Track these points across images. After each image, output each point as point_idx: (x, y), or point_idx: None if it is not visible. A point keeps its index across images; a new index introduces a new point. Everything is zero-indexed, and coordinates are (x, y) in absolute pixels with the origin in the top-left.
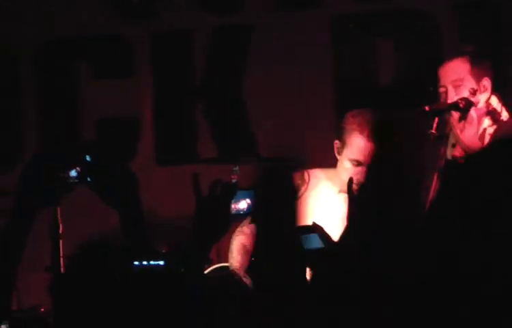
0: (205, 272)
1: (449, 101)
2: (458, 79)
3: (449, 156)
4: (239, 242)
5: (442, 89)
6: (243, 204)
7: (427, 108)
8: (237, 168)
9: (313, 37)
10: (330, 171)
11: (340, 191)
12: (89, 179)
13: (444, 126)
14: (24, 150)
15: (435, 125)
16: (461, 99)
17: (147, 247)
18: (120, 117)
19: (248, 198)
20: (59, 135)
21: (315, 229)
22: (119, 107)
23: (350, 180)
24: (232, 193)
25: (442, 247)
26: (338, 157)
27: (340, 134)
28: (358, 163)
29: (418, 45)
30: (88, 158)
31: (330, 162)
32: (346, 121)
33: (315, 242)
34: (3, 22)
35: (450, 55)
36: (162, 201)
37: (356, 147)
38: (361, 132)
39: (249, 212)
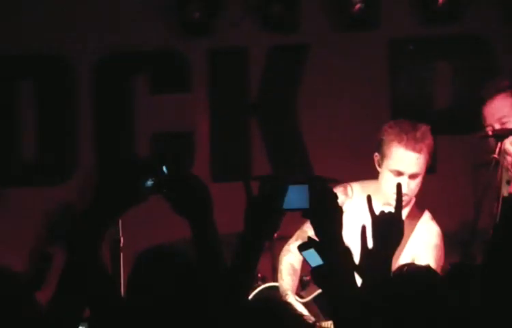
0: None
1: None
2: (503, 116)
3: (505, 194)
4: (287, 262)
5: (488, 129)
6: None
7: (490, 132)
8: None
9: (370, 59)
10: (371, 185)
11: (384, 204)
12: (164, 190)
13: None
14: (80, 163)
15: (497, 150)
16: None
17: (217, 260)
18: (175, 132)
19: (302, 193)
20: (115, 149)
21: (311, 244)
22: (175, 122)
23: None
24: (282, 190)
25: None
26: (379, 169)
27: (379, 146)
28: (398, 173)
29: (476, 70)
30: (165, 169)
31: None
32: (384, 132)
33: (313, 260)
34: (62, 36)
35: (490, 93)
36: (216, 218)
37: (395, 157)
38: (399, 142)
39: (302, 208)
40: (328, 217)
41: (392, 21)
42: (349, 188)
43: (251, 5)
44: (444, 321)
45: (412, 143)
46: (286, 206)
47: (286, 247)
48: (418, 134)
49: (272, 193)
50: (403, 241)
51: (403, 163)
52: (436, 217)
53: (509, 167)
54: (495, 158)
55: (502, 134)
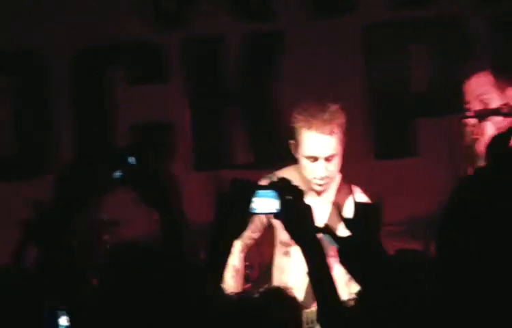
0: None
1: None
2: (482, 93)
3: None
4: (229, 264)
5: (467, 105)
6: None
7: (470, 113)
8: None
9: (345, 45)
10: (293, 172)
11: (308, 189)
12: (130, 181)
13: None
14: (59, 155)
15: (475, 130)
16: (504, 104)
17: (181, 253)
18: (153, 122)
19: (272, 197)
20: (94, 140)
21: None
22: (153, 113)
23: None
24: (249, 192)
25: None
26: (296, 156)
27: (292, 134)
28: (314, 159)
29: (451, 51)
30: (131, 160)
31: (362, 169)
32: (293, 120)
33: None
34: (37, 30)
35: (472, 70)
36: (198, 207)
37: (307, 143)
38: (309, 128)
39: (272, 212)
40: (299, 217)
41: (366, 6)
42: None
43: None
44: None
45: (321, 126)
46: (256, 210)
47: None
48: (326, 116)
49: (240, 196)
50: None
51: (316, 148)
52: (416, 201)
53: (481, 149)
54: (473, 139)
55: (482, 114)
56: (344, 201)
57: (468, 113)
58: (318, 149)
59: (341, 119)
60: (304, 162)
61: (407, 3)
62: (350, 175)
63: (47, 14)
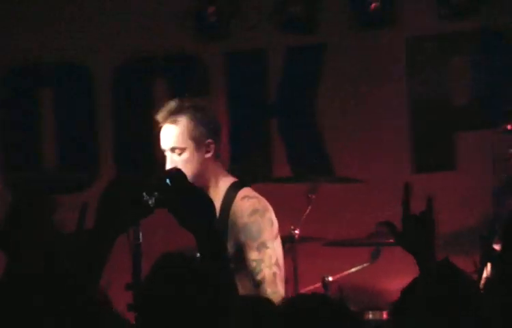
0: None
1: None
2: None
3: None
4: None
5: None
6: None
7: (509, 126)
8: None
9: (388, 57)
10: None
11: None
12: (167, 203)
13: None
14: (101, 169)
15: None
16: None
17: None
18: None
19: None
20: (135, 153)
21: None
22: None
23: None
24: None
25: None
26: None
27: None
28: (164, 152)
29: (494, 64)
30: (168, 182)
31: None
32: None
33: None
34: (82, 43)
35: None
36: None
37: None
38: (160, 122)
39: None
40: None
41: (408, 18)
42: None
43: (268, 7)
44: None
45: (165, 115)
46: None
47: None
48: (173, 105)
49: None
50: None
51: (162, 140)
52: (456, 213)
53: None
54: None
55: None
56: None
57: (508, 126)
58: (163, 141)
59: (190, 112)
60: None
61: (451, 16)
62: (390, 187)
63: (91, 26)
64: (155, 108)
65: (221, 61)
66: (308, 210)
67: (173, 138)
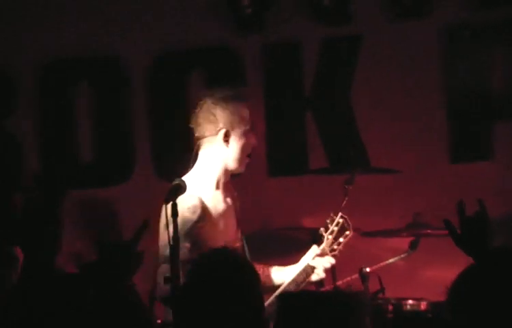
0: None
1: None
2: None
3: None
4: None
5: None
6: None
7: None
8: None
9: (423, 47)
10: None
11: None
12: None
13: None
14: (137, 162)
15: None
16: None
17: None
18: None
19: None
20: (170, 146)
21: None
22: None
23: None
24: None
25: None
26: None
27: None
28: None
29: None
30: None
31: (440, 171)
32: None
33: None
34: (116, 36)
35: None
36: (274, 213)
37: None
38: None
39: None
40: None
41: (444, 7)
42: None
43: None
44: None
45: None
46: None
47: None
48: None
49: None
50: None
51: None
52: (492, 205)
53: None
54: None
55: None
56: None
57: None
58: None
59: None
60: None
61: (485, 4)
62: (426, 177)
63: (126, 19)
64: (190, 100)
65: (256, 53)
66: (345, 201)
67: None
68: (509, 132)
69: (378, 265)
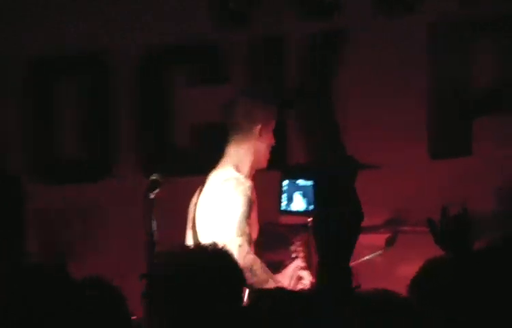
0: None
1: None
2: None
3: None
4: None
5: None
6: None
7: None
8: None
9: (405, 44)
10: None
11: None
12: None
13: None
14: (122, 157)
15: None
16: None
17: None
18: (214, 122)
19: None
20: (155, 141)
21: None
22: (214, 113)
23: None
24: None
25: None
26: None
27: None
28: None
29: None
30: None
31: (420, 167)
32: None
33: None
34: (102, 32)
35: None
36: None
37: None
38: None
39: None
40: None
41: (430, 4)
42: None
43: None
44: None
45: None
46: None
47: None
48: None
49: None
50: None
51: None
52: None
53: None
54: None
55: None
56: None
57: None
58: None
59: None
60: None
61: (466, 1)
62: (407, 173)
63: (111, 15)
64: (175, 96)
65: (242, 49)
66: None
67: None
68: (489, 128)
69: (355, 262)
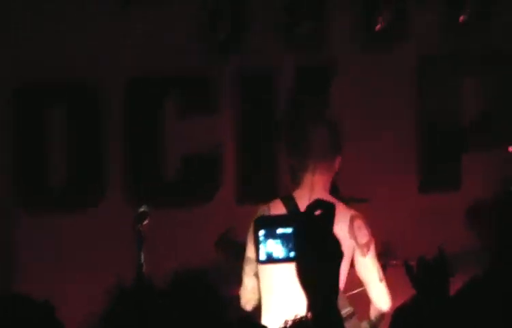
0: None
1: None
2: None
3: None
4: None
5: None
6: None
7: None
8: None
9: (394, 78)
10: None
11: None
12: None
13: None
14: (111, 185)
15: None
16: None
17: None
18: (203, 154)
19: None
20: (144, 171)
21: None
22: (204, 145)
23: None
24: None
25: None
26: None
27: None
28: None
29: (504, 84)
30: None
31: (409, 201)
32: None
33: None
34: (92, 61)
35: None
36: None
37: None
38: None
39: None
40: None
41: (420, 37)
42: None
43: (277, 27)
44: None
45: None
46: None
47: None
48: None
49: None
50: None
51: None
52: (459, 236)
53: None
54: None
55: None
56: None
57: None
58: None
59: None
60: None
61: (462, 36)
62: (395, 207)
63: (100, 45)
64: (164, 127)
65: (230, 81)
66: None
67: None
68: (477, 163)
69: (348, 293)
